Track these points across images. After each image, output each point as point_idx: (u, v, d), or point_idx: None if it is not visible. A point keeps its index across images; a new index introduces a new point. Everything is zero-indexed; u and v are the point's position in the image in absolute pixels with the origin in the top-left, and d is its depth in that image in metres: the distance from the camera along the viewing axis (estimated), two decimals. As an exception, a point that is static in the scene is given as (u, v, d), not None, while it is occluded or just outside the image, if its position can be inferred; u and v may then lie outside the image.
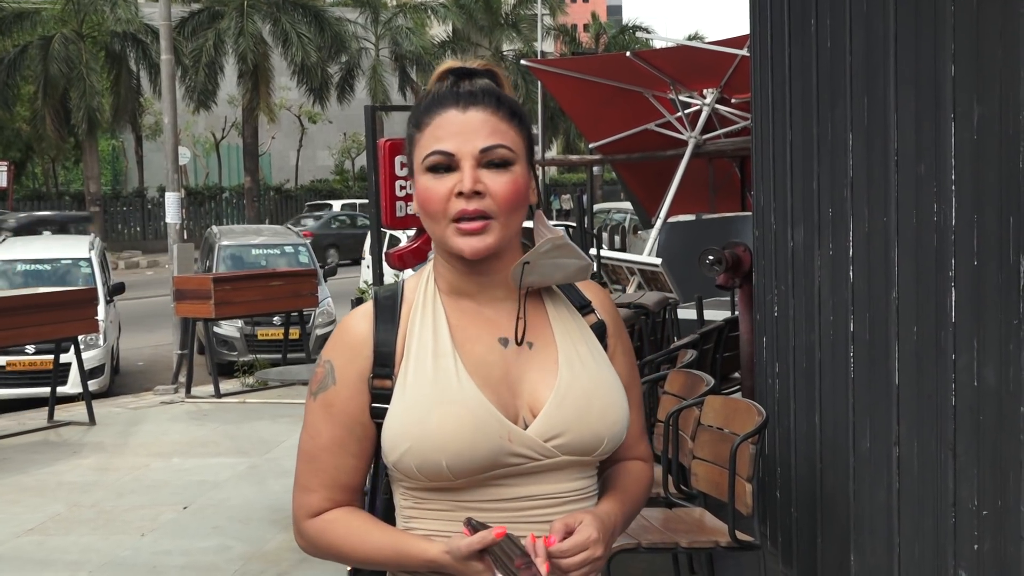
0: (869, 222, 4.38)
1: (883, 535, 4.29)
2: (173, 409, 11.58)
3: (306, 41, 38.54)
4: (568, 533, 1.90)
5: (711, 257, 6.91)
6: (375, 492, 2.09)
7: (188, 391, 12.27)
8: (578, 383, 1.98)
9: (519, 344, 2.02)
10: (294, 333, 13.69)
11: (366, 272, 17.42)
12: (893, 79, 4.15)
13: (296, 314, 13.45)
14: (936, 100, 3.85)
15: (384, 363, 1.98)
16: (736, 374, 7.67)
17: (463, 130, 1.94)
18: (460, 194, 1.93)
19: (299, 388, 11.28)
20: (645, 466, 2.18)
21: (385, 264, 11.27)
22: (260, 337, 14.65)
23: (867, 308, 4.42)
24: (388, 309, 2.02)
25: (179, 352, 13.16)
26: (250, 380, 12.76)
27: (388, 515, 2.07)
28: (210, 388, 12.35)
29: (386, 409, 1.97)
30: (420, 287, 2.04)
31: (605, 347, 2.08)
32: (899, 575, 4.18)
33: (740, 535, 4.42)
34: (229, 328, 14.55)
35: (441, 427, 1.91)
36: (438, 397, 1.93)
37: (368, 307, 2.04)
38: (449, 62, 2.07)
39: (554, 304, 2.07)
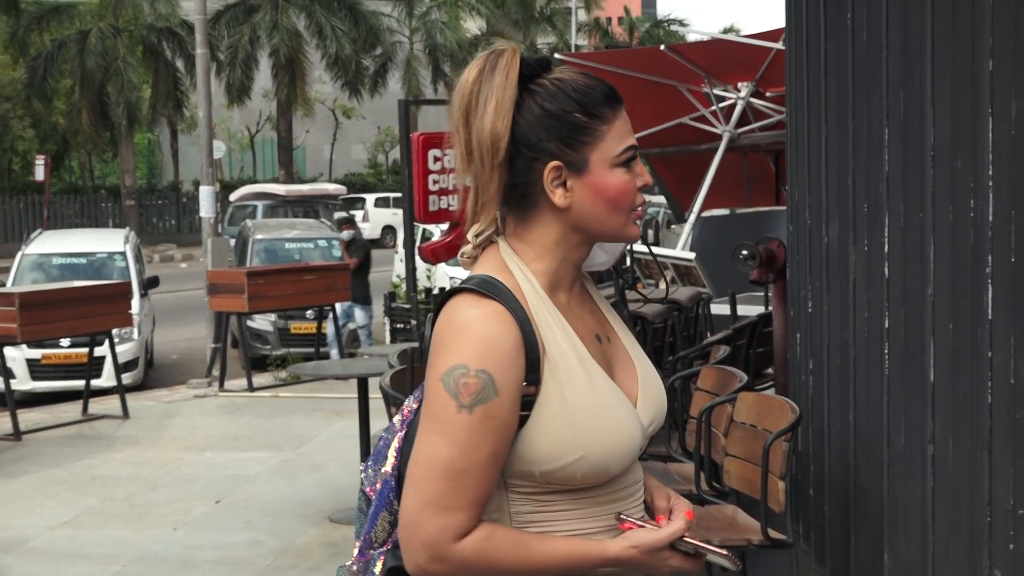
0: (905, 218, 4.33)
1: (917, 533, 4.24)
2: (206, 403, 11.63)
3: (340, 34, 38.62)
4: (669, 508, 2.01)
5: (745, 252, 6.85)
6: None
7: (221, 385, 12.32)
8: (650, 371, 2.05)
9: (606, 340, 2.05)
10: (327, 327, 13.72)
11: (399, 266, 17.42)
12: (930, 73, 4.10)
13: (329, 308, 13.48)
14: (973, 94, 3.80)
15: (533, 369, 1.89)
16: (769, 370, 7.61)
17: (630, 126, 1.97)
18: (640, 187, 1.97)
19: (331, 383, 11.32)
20: None
21: (418, 258, 11.31)
22: (293, 331, 14.71)
23: (902, 305, 4.37)
24: (519, 310, 1.90)
25: (213, 346, 13.22)
26: (283, 374, 12.80)
27: None
28: (243, 382, 12.40)
29: (527, 416, 1.89)
30: (523, 285, 1.95)
31: None
32: (933, 574, 4.13)
33: (773, 533, 4.39)
34: (262, 322, 14.62)
35: (615, 434, 1.91)
36: (600, 403, 1.91)
37: (500, 309, 1.89)
38: (512, 46, 1.98)
39: (593, 292, 2.09)
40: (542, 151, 1.92)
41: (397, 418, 2.09)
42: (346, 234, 15.15)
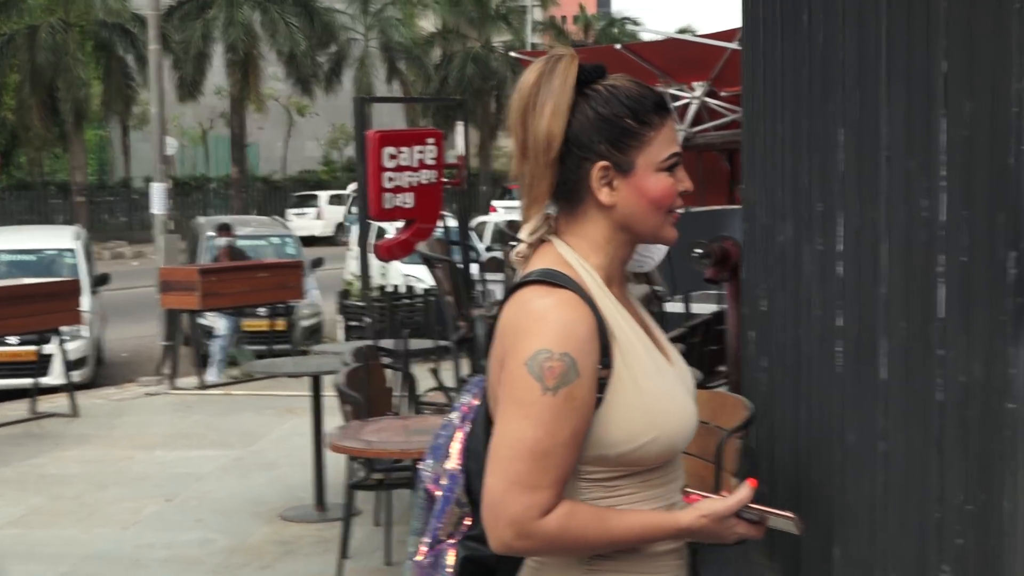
0: (859, 217, 4.36)
1: (867, 529, 4.27)
2: (157, 401, 11.55)
3: (295, 31, 38.47)
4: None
5: (699, 251, 6.88)
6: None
7: (173, 383, 12.22)
8: (687, 372, 2.17)
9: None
10: (280, 325, 13.64)
11: (353, 264, 17.36)
12: (885, 74, 4.13)
13: (282, 305, 13.40)
14: (928, 96, 3.83)
15: (605, 352, 2.01)
16: (722, 367, 7.65)
17: (676, 133, 2.12)
18: (681, 192, 2.11)
19: (283, 381, 11.25)
20: None
21: (372, 256, 11.27)
22: (245, 328, 14.61)
23: (856, 303, 4.40)
24: (588, 297, 2.03)
25: (164, 343, 13.12)
26: (235, 372, 12.72)
27: None
28: (195, 380, 12.33)
29: (601, 399, 2.00)
30: (585, 276, 2.07)
31: None
32: (882, 569, 4.16)
33: (726, 530, 4.40)
34: (214, 319, 14.51)
35: (680, 415, 2.06)
36: (666, 387, 2.06)
37: (572, 296, 2.01)
38: (572, 53, 2.10)
39: (629, 294, 2.20)
40: (592, 152, 2.05)
41: (455, 415, 2.20)
42: (223, 241, 14.67)
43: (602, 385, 2.00)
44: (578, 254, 2.09)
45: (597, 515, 2.01)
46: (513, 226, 11.57)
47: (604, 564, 2.06)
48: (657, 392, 2.03)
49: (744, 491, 2.05)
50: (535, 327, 1.97)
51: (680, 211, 2.13)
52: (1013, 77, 3.36)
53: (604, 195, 2.05)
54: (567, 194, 2.09)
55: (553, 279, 2.01)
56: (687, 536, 2.07)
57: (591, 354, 1.98)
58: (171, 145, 34.03)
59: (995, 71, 3.47)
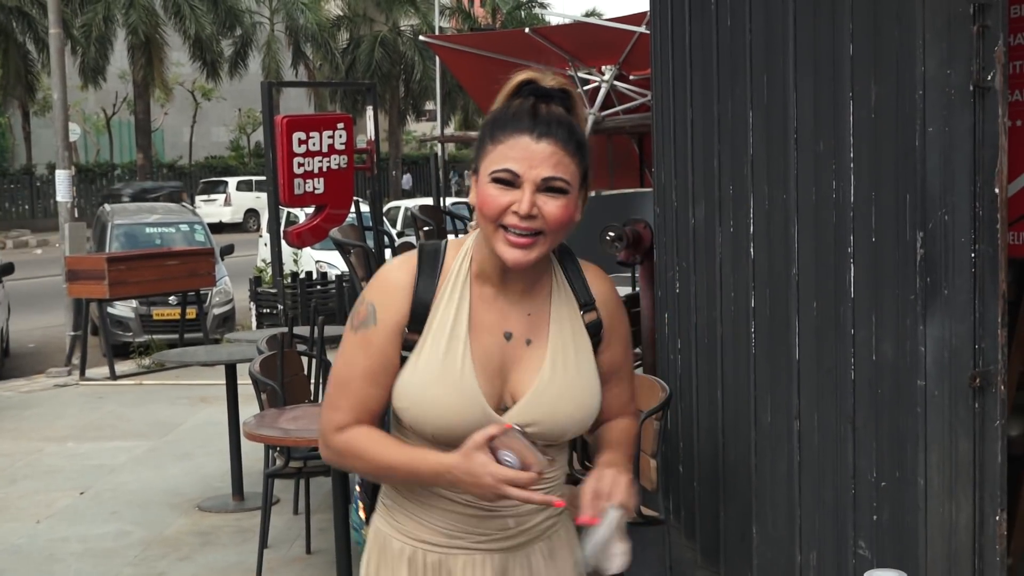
0: (769, 199, 4.43)
1: (784, 507, 4.35)
2: (67, 392, 11.36)
3: (200, 14, 37.94)
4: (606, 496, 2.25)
5: (611, 234, 6.93)
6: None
7: (82, 373, 12.03)
8: (555, 385, 2.29)
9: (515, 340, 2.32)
10: (191, 313, 13.48)
11: (264, 250, 17.22)
12: (792, 58, 4.20)
13: (193, 293, 13.26)
14: (835, 79, 3.91)
15: (418, 319, 2.28)
16: (637, 350, 7.72)
17: (531, 157, 2.20)
18: (513, 211, 2.21)
19: (196, 370, 11.14)
20: (631, 421, 2.51)
21: (284, 242, 11.18)
22: (156, 317, 14.42)
23: (768, 284, 4.47)
24: (430, 269, 2.31)
25: (72, 333, 12.89)
26: (146, 361, 12.55)
27: None
28: (105, 370, 12.13)
29: (407, 358, 2.28)
30: (457, 259, 2.33)
31: (599, 341, 2.37)
32: (800, 546, 4.25)
33: (645, 511, 4.46)
34: (123, 308, 14.30)
35: (434, 404, 2.25)
36: (440, 376, 2.25)
37: (412, 260, 2.32)
38: (528, 73, 2.29)
39: (559, 304, 2.35)
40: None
41: None
42: None
43: (410, 348, 2.27)
44: (474, 244, 2.33)
45: (378, 440, 2.31)
46: (424, 211, 11.55)
47: (392, 501, 2.38)
48: (426, 372, 2.25)
49: (492, 427, 2.16)
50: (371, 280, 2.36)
51: (524, 228, 2.20)
52: (917, 60, 3.44)
53: (471, 194, 2.28)
54: None
55: (425, 246, 2.33)
56: (446, 475, 2.21)
57: (393, 311, 2.28)
58: (74, 131, 33.44)
59: (900, 54, 3.54)
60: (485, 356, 2.28)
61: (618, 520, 2.21)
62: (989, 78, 3.31)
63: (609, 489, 2.26)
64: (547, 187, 2.20)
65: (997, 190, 3.34)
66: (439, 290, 2.29)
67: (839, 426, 3.93)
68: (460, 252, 2.33)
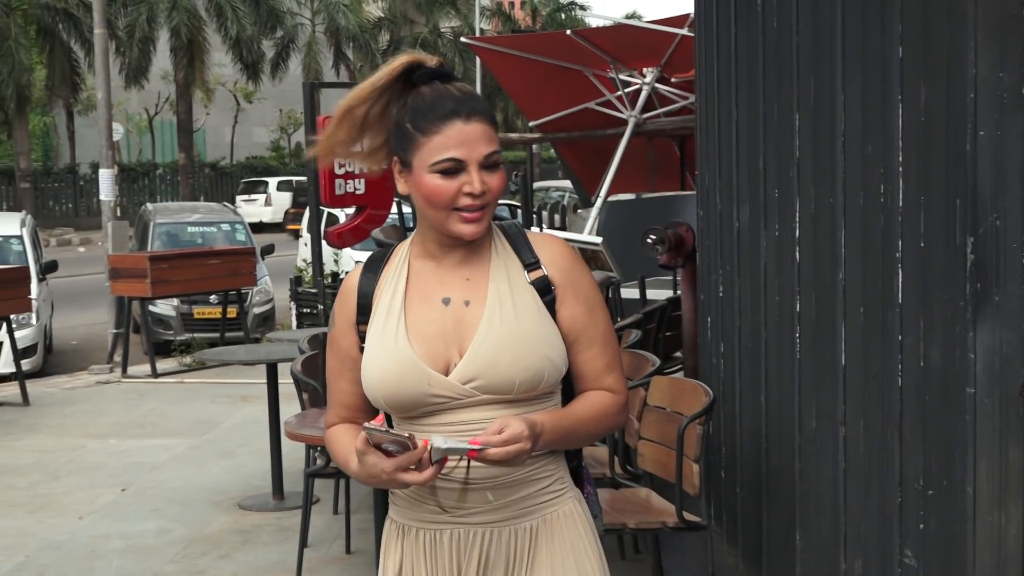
0: (815, 202, 4.39)
1: (829, 514, 4.31)
2: (109, 389, 11.44)
3: (241, 15, 38.14)
4: (499, 432, 2.28)
5: (653, 237, 6.90)
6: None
7: (124, 371, 12.12)
8: (493, 336, 2.37)
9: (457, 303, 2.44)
10: (232, 312, 13.55)
11: (304, 250, 17.28)
12: (840, 59, 4.16)
13: (234, 293, 13.32)
14: (883, 81, 3.86)
15: (363, 312, 2.47)
16: (678, 353, 7.68)
17: (468, 140, 2.35)
18: (467, 193, 2.35)
19: (237, 368, 11.19)
20: (605, 394, 2.49)
21: (324, 242, 11.20)
22: (197, 316, 14.51)
23: (813, 288, 4.43)
24: (373, 267, 2.50)
25: (114, 331, 12.99)
26: (188, 360, 12.62)
27: None
28: (146, 368, 12.21)
29: (363, 347, 2.46)
30: (402, 250, 2.50)
31: (553, 299, 2.43)
32: (844, 553, 4.20)
33: (688, 516, 4.43)
34: (165, 307, 14.40)
35: (378, 376, 2.40)
36: (379, 349, 2.41)
37: (358, 268, 2.53)
38: (409, 56, 2.42)
39: (497, 264, 2.45)
40: (394, 149, 2.43)
41: None
42: None
43: (365, 337, 2.44)
44: (416, 231, 2.51)
45: (338, 438, 2.49)
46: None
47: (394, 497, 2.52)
48: (369, 352, 2.43)
49: (364, 427, 2.28)
50: None
51: (477, 204, 2.35)
52: (969, 62, 3.40)
53: (400, 185, 2.43)
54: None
55: (375, 252, 2.53)
56: (359, 477, 2.36)
57: (345, 309, 2.49)
58: (117, 131, 33.72)
59: (950, 56, 3.50)
60: (423, 323, 2.41)
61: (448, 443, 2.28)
62: (1043, 81, 3.26)
63: (499, 427, 2.29)
64: (487, 163, 2.36)
65: (1050, 195, 3.29)
66: (381, 281, 2.47)
67: (886, 432, 3.89)
68: (405, 245, 2.51)
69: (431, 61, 2.41)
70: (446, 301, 2.42)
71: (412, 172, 2.38)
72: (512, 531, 2.42)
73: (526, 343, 2.38)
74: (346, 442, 2.44)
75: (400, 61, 2.41)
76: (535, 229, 11.59)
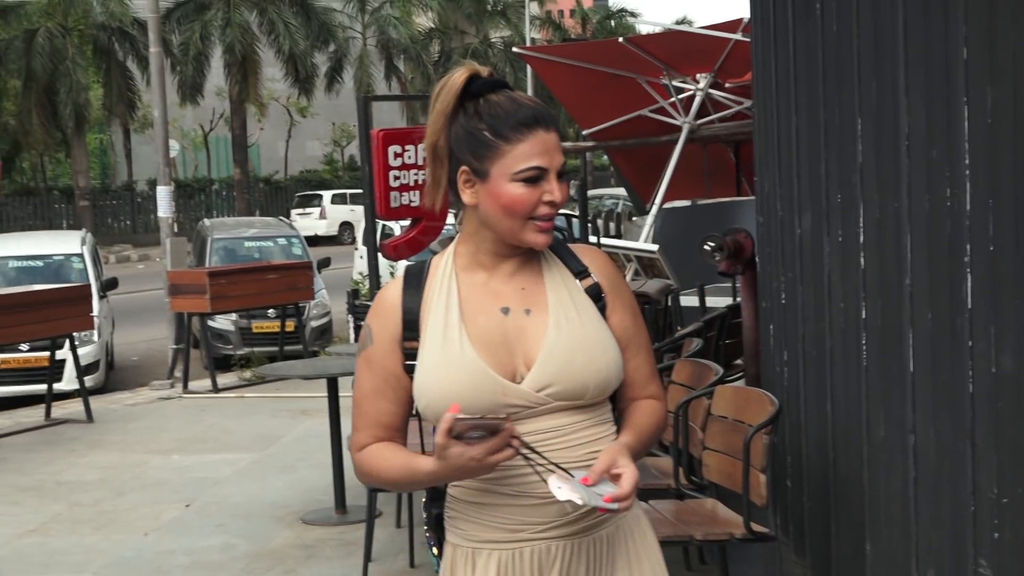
0: (880, 208, 4.33)
1: (899, 524, 4.25)
2: (170, 405, 11.53)
3: (293, 30, 38.40)
4: (608, 469, 2.27)
5: (711, 244, 6.85)
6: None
7: (185, 386, 12.21)
8: (563, 341, 2.37)
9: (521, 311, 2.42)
10: (290, 325, 13.62)
11: (360, 263, 17.34)
12: (903, 62, 4.10)
13: (292, 307, 13.39)
14: (948, 83, 3.80)
15: (411, 328, 2.42)
16: (738, 361, 7.62)
17: (549, 148, 2.36)
18: (547, 202, 2.35)
19: (296, 382, 11.23)
20: (656, 403, 2.54)
21: (380, 255, 11.22)
22: (255, 330, 14.60)
23: (879, 295, 4.37)
24: (414, 282, 2.46)
25: (174, 347, 13.09)
26: (247, 374, 12.70)
27: None
28: (207, 383, 12.30)
29: (415, 365, 2.40)
30: (442, 264, 2.47)
31: (604, 305, 2.46)
32: (916, 564, 4.14)
33: (755, 526, 4.38)
34: (224, 322, 14.49)
35: (445, 387, 2.33)
36: (444, 362, 2.35)
37: (399, 279, 2.48)
38: (470, 68, 2.39)
39: (551, 273, 2.46)
40: (459, 158, 2.38)
41: None
42: None
43: (414, 354, 2.39)
44: (457, 240, 2.48)
45: (386, 456, 2.42)
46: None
47: (454, 510, 2.44)
48: (431, 366, 2.36)
49: (446, 419, 2.21)
50: None
51: (553, 213, 2.36)
52: (1036, 64, 3.34)
53: (467, 196, 2.39)
54: (455, 193, 2.42)
55: (409, 267, 2.49)
56: (437, 475, 2.30)
57: (387, 326, 2.43)
58: (174, 148, 34.02)
59: (1016, 56, 3.44)
60: (485, 334, 2.38)
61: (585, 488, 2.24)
62: (1114, 80, 3.20)
63: (605, 465, 2.28)
64: (558, 172, 2.38)
65: (1124, 196, 3.22)
66: (426, 296, 2.43)
67: (957, 441, 3.82)
68: (444, 257, 2.48)
69: (484, 71, 2.40)
70: (505, 311, 2.40)
71: (488, 181, 2.36)
72: (592, 540, 2.40)
73: (592, 346, 2.39)
74: (397, 454, 2.41)
75: (461, 76, 2.38)
76: (591, 239, 11.55)
